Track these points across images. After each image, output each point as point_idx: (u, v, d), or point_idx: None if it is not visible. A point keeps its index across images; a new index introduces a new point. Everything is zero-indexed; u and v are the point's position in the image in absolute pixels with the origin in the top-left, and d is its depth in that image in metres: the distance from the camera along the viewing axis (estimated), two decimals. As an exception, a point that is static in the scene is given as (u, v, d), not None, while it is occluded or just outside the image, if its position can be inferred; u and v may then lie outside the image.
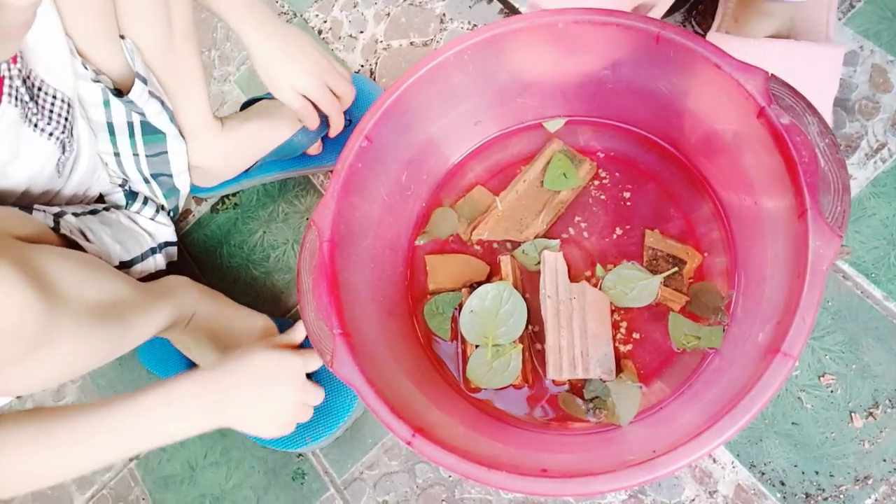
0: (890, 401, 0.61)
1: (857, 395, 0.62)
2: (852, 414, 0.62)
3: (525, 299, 0.69)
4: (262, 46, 0.69)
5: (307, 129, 0.80)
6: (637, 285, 0.67)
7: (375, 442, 0.74)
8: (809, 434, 0.62)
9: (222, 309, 0.76)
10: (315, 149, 0.84)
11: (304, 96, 0.72)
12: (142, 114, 0.69)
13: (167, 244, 0.79)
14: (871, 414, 0.61)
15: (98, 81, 0.64)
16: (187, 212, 0.93)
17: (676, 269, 0.66)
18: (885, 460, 0.60)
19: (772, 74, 0.54)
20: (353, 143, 0.65)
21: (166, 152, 0.76)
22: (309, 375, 0.67)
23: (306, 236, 0.63)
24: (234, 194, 0.92)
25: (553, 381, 0.67)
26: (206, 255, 0.90)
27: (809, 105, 0.52)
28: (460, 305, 0.71)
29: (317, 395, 0.68)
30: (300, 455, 0.77)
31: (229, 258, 0.89)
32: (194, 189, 0.89)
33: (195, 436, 0.60)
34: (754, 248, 0.62)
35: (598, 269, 0.69)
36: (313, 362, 0.66)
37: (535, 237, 0.72)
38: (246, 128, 0.81)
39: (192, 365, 0.78)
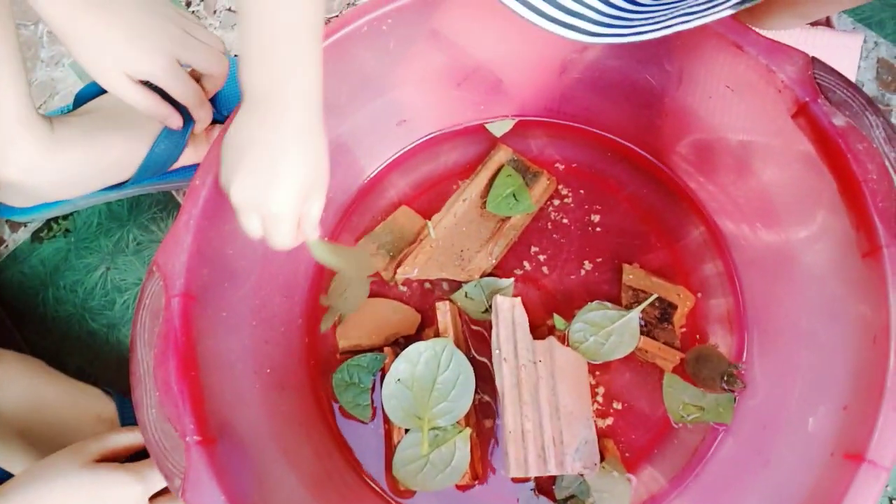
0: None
1: (897, 476, 0.49)
2: (893, 501, 0.48)
3: (470, 360, 0.51)
4: (71, 17, 0.46)
5: (168, 133, 0.58)
6: (613, 328, 0.50)
7: (265, 566, 0.53)
8: (842, 529, 0.48)
9: (41, 389, 0.52)
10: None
11: (147, 85, 0.50)
12: None
13: None
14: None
15: None
16: (-3, 241, 0.67)
17: (655, 296, 0.50)
18: (937, 561, 0.47)
19: (814, 58, 0.39)
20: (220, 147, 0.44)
21: None
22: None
23: (146, 288, 0.42)
24: (65, 217, 0.67)
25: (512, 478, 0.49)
26: (24, 300, 0.65)
27: (870, 101, 0.37)
28: (383, 371, 0.51)
29: None
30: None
31: (56, 305, 0.64)
32: (5, 210, 0.63)
33: None
34: (773, 288, 0.47)
35: (557, 319, 0.52)
36: (160, 478, 0.42)
37: (481, 275, 0.54)
38: (88, 142, 0.57)
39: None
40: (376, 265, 0.56)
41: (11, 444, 0.50)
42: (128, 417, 0.54)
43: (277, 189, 0.37)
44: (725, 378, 0.47)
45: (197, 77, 0.54)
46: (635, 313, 0.50)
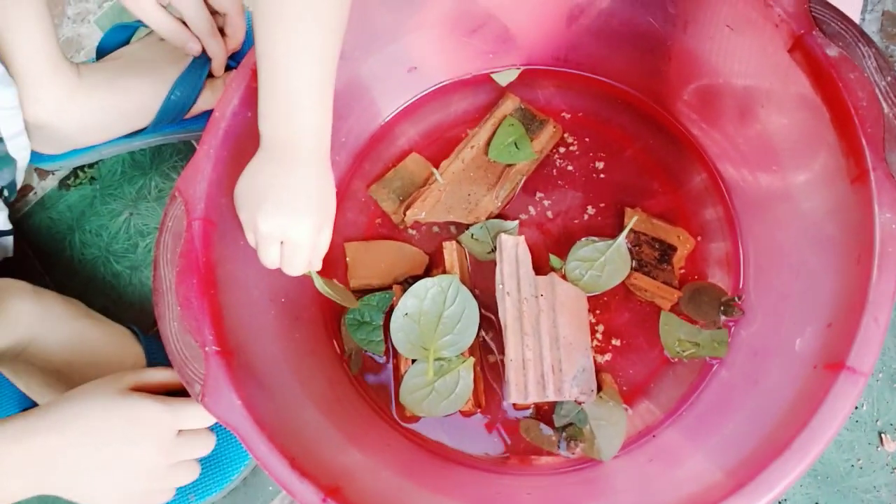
0: (926, 417, 0.50)
1: (887, 412, 0.50)
2: (882, 435, 0.50)
3: (476, 297, 0.53)
4: None
5: (185, 77, 0.60)
6: (605, 259, 0.52)
7: (278, 490, 0.56)
8: (832, 462, 0.50)
9: (82, 330, 0.54)
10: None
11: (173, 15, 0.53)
12: None
13: None
14: (904, 434, 0.50)
15: None
16: (27, 188, 0.71)
17: (636, 217, 0.52)
18: (923, 492, 0.48)
19: (810, -8, 0.40)
20: (241, 80, 0.46)
21: None
22: None
23: (168, 212, 0.44)
24: (90, 165, 0.70)
25: (514, 404, 0.51)
26: (52, 245, 0.68)
27: (863, 33, 0.39)
28: (391, 308, 0.54)
29: (200, 446, 0.45)
30: (175, 512, 0.57)
31: (83, 249, 0.67)
32: (34, 157, 0.66)
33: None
34: (770, 228, 0.49)
35: (554, 259, 0.54)
36: (191, 415, 0.44)
37: (487, 218, 0.56)
38: (115, 86, 0.60)
39: (27, 403, 0.57)
40: (387, 206, 0.58)
41: (53, 383, 0.53)
42: (153, 357, 0.56)
43: (300, 222, 0.43)
44: (723, 308, 0.49)
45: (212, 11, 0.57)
46: (622, 238, 0.52)
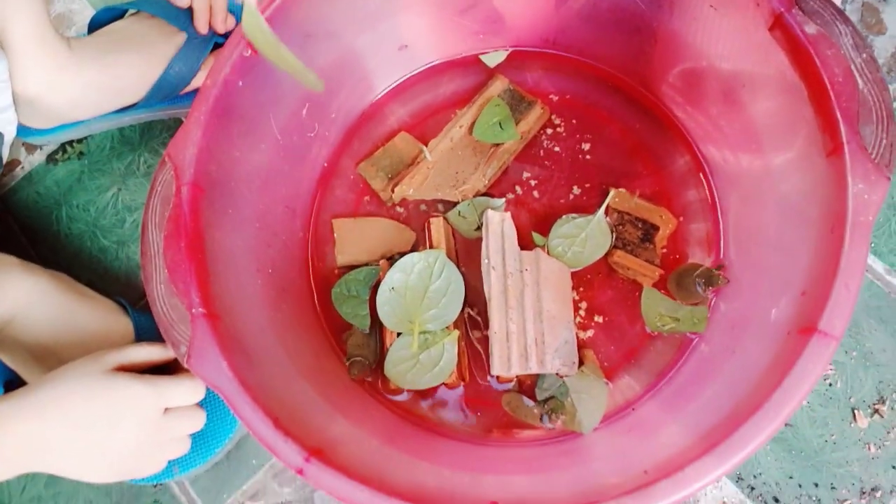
0: (897, 394, 0.51)
1: (860, 389, 0.52)
2: (855, 411, 0.51)
3: (461, 273, 0.53)
4: None
5: (183, 54, 0.61)
6: (586, 234, 0.53)
7: (261, 463, 0.56)
8: (806, 437, 0.51)
9: (72, 306, 0.53)
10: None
11: None
12: None
13: None
14: (876, 411, 0.51)
15: None
16: (14, 163, 0.70)
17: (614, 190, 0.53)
18: (894, 467, 0.50)
19: (790, -28, 0.41)
20: (231, 50, 0.47)
21: None
22: None
23: (157, 176, 0.44)
24: (79, 140, 0.70)
25: (497, 377, 0.52)
26: (39, 219, 0.68)
27: (839, 11, 0.40)
28: (378, 283, 0.54)
29: (188, 423, 0.45)
30: (158, 484, 0.57)
31: (70, 223, 0.67)
32: (23, 131, 0.66)
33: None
34: (750, 207, 0.50)
35: (537, 237, 0.55)
36: (176, 392, 0.44)
37: (475, 196, 0.57)
38: (107, 61, 0.60)
39: (10, 376, 0.56)
40: (375, 184, 0.58)
41: (40, 356, 0.52)
42: (142, 333, 0.56)
43: None
44: (708, 280, 0.49)
45: None
46: (600, 213, 0.53)
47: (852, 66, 0.38)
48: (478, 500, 0.36)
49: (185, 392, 0.44)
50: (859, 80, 0.38)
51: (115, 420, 0.42)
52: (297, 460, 0.38)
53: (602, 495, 0.35)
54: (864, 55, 0.39)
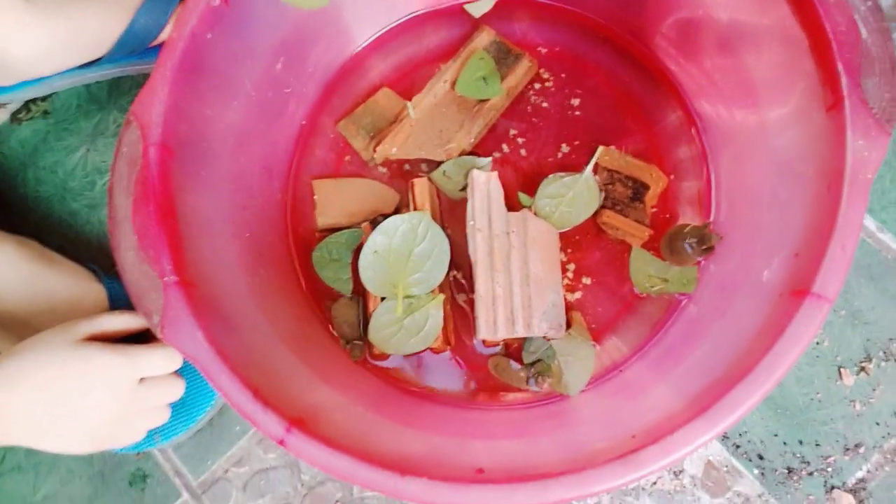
0: (884, 352, 0.51)
1: (847, 347, 0.52)
2: (841, 370, 0.51)
3: (446, 235, 0.52)
4: None
5: (150, 5, 0.57)
6: (574, 194, 0.52)
7: (245, 430, 0.55)
8: (791, 396, 0.51)
9: (42, 274, 0.51)
10: None
11: None
12: None
13: None
14: (862, 369, 0.51)
15: None
16: (-26, 122, 0.67)
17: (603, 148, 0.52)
18: (878, 424, 0.50)
19: (794, -88, 0.39)
20: (200, 0, 0.43)
21: None
22: None
23: (123, 138, 0.42)
24: (43, 98, 0.66)
25: (483, 341, 0.51)
26: (3, 181, 0.65)
27: (845, -45, 0.37)
28: (360, 246, 0.53)
29: (165, 392, 0.44)
30: (140, 452, 0.56)
31: (37, 186, 0.64)
32: (-18, 89, 0.63)
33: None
34: (743, 164, 0.49)
35: (523, 197, 0.53)
36: (150, 361, 0.42)
37: (460, 155, 0.55)
38: (66, 11, 0.56)
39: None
40: (356, 143, 0.56)
41: (9, 326, 0.50)
42: (116, 300, 0.55)
43: None
44: (698, 238, 0.48)
45: None
46: (588, 171, 0.51)
47: (856, 15, 0.36)
48: (464, 468, 0.36)
49: (159, 361, 0.42)
50: (863, 30, 0.36)
51: (87, 391, 0.40)
52: (278, 431, 0.37)
53: (590, 461, 0.34)
54: (869, 2, 0.37)
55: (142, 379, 0.43)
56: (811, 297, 0.34)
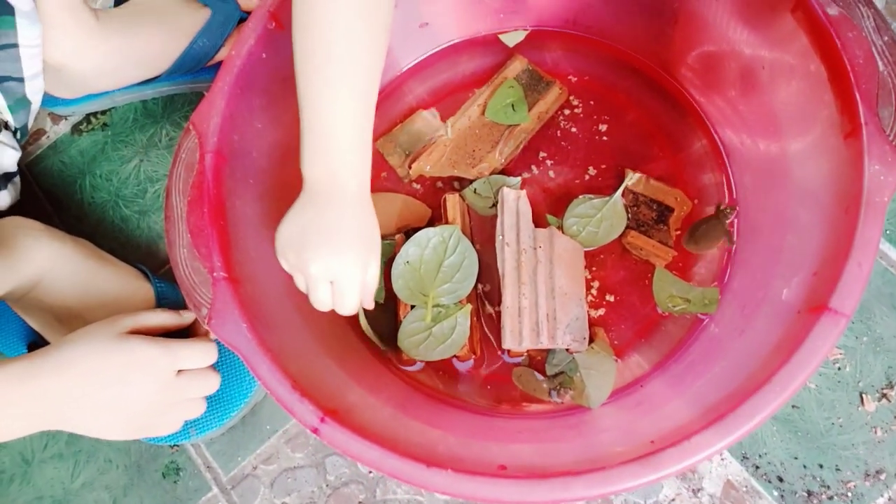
0: (906, 380, 0.52)
1: (869, 374, 0.52)
2: (863, 395, 0.52)
3: (475, 250, 0.54)
4: None
5: (208, 28, 0.61)
6: (602, 215, 0.54)
7: (275, 429, 0.58)
8: (813, 420, 0.52)
9: (94, 271, 0.55)
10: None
11: None
12: None
13: (7, 175, 0.57)
14: (884, 395, 0.51)
15: None
16: (40, 132, 0.72)
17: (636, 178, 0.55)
18: (900, 451, 0.50)
19: (813, -47, 0.41)
20: (256, 23, 0.48)
21: (16, 45, 0.54)
22: None
23: (182, 144, 0.46)
24: (103, 112, 0.71)
25: (508, 351, 0.53)
26: (63, 188, 0.70)
27: (863, -7, 0.40)
28: (393, 256, 0.55)
29: (202, 385, 0.47)
30: (175, 446, 0.59)
31: (93, 192, 0.69)
32: (50, 102, 0.68)
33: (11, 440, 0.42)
34: (765, 190, 0.50)
35: (551, 219, 0.56)
36: (188, 355, 0.45)
37: (491, 174, 0.58)
38: (132, 32, 0.61)
39: (34, 337, 0.58)
40: (393, 160, 0.59)
41: (64, 319, 0.54)
42: (163, 299, 0.58)
43: (346, 262, 0.43)
44: (719, 215, 0.51)
45: None
46: (618, 195, 0.54)
47: (873, 49, 0.39)
48: (487, 464, 0.37)
49: (196, 354, 0.45)
50: (880, 63, 0.38)
51: (128, 379, 0.43)
52: (313, 420, 0.39)
53: (608, 462, 0.36)
54: (886, 38, 0.39)
55: (179, 372, 0.45)
56: (828, 312, 0.35)
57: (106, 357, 0.43)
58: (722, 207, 0.51)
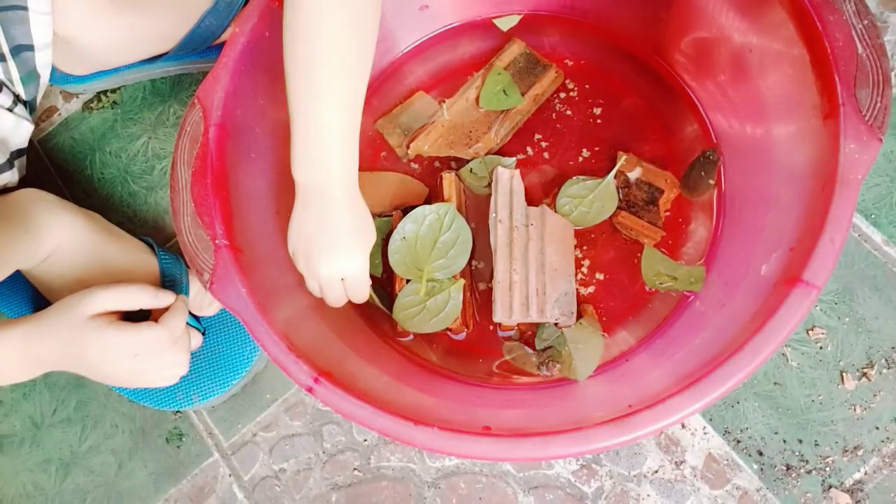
0: (886, 360, 0.53)
1: (850, 353, 0.53)
2: (843, 374, 0.53)
3: (470, 228, 0.56)
4: None
5: (215, 8, 0.63)
6: (594, 196, 0.55)
7: (275, 397, 0.60)
8: (793, 396, 0.53)
9: (105, 244, 0.56)
10: None
11: None
12: None
13: (20, 151, 0.59)
14: (864, 374, 0.53)
15: None
16: (52, 109, 0.74)
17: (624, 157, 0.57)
18: (877, 428, 0.51)
19: (800, -61, 0.42)
20: (260, 0, 0.49)
21: (25, 7, 0.55)
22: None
23: (187, 117, 0.47)
24: (113, 90, 0.73)
25: (499, 325, 0.55)
26: (73, 163, 0.72)
27: (845, -22, 0.41)
28: (391, 232, 0.57)
29: (182, 318, 0.49)
30: (178, 412, 0.61)
31: (102, 168, 0.71)
32: (62, 79, 0.70)
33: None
34: (751, 172, 0.52)
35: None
36: (172, 322, 0.47)
37: (486, 154, 0.59)
38: (142, 8, 0.63)
39: (42, 303, 0.60)
40: (392, 140, 0.61)
41: (73, 287, 0.55)
42: (167, 270, 0.60)
43: (354, 259, 0.46)
44: (705, 158, 0.54)
45: None
46: (610, 177, 0.55)
47: (853, 32, 0.40)
48: (472, 424, 0.39)
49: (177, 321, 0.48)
50: (858, 46, 0.40)
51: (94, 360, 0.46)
52: (307, 380, 0.41)
53: (587, 422, 0.37)
54: (866, 21, 0.40)
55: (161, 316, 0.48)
56: (801, 284, 0.37)
57: (102, 342, 0.46)
58: (706, 153, 0.53)
